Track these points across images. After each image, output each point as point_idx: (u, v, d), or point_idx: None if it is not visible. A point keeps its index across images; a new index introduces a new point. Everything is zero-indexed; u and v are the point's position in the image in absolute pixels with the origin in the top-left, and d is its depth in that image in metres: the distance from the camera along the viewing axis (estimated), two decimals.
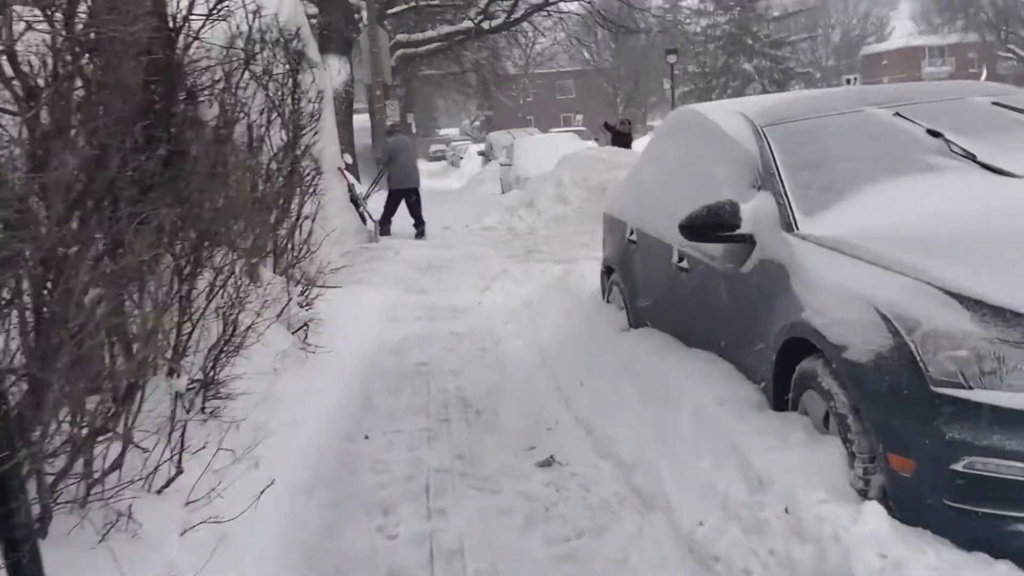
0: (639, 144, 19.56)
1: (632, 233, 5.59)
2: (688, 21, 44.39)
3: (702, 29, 45.41)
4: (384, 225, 14.70)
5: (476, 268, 11.15)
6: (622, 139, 18.53)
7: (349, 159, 16.30)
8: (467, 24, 24.80)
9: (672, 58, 34.21)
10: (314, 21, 18.06)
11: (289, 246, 6.95)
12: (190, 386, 3.99)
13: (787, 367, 3.69)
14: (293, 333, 5.90)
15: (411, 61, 27.60)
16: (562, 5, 26.06)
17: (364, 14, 20.03)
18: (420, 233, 14.75)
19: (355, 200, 14.25)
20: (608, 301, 6.30)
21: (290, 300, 5.93)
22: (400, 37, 25.51)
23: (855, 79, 35.28)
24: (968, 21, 57.99)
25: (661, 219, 5.05)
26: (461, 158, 39.53)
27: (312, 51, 10.12)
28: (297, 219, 6.99)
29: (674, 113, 5.73)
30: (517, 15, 24.71)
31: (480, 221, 15.72)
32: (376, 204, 14.98)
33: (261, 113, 6.36)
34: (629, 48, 48.99)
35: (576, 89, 58.62)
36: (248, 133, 6.02)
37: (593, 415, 4.78)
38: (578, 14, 27.91)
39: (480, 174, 25.67)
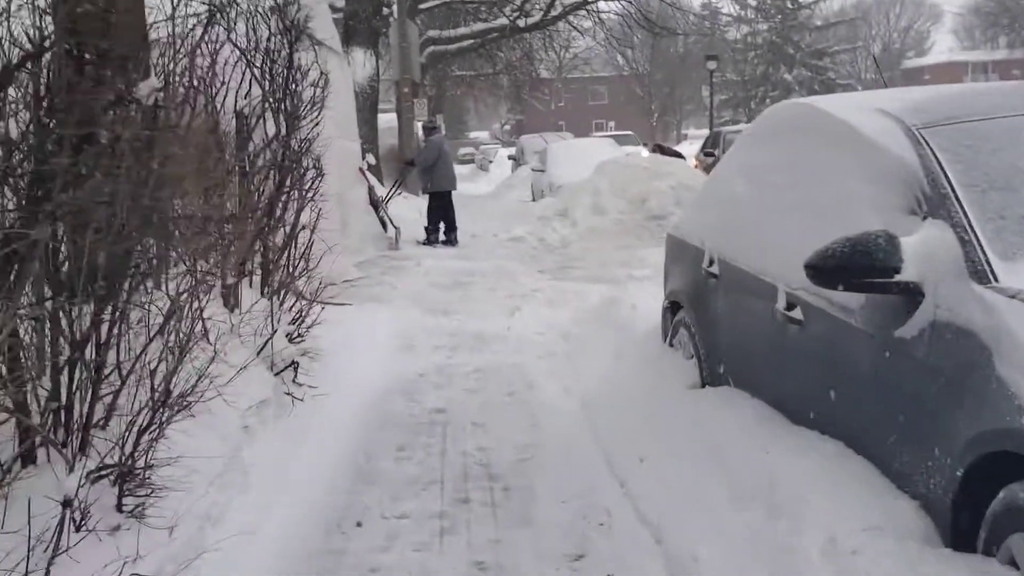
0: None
1: (712, 264, 4.31)
2: (727, 28, 42.95)
3: (742, 37, 43.99)
4: (433, 234, 13.52)
5: (504, 285, 9.91)
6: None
7: (372, 160, 15.11)
8: (501, 22, 23.57)
9: (712, 64, 32.86)
10: (340, 9, 16.92)
11: (283, 262, 5.74)
12: (100, 474, 2.78)
13: (980, 489, 2.43)
14: (277, 374, 4.68)
15: (442, 59, 26.41)
16: (601, 4, 24.78)
17: (394, 7, 18.86)
18: (451, 240, 13.54)
19: (375, 204, 13.06)
20: (672, 345, 5.01)
21: (275, 332, 4.70)
22: (431, 33, 24.35)
23: None
24: (1015, 36, 56.20)
25: (759, 249, 3.78)
26: (490, 162, 38.38)
27: (324, 28, 8.93)
28: (293, 229, 5.76)
29: (777, 109, 4.41)
30: (555, 13, 23.44)
31: (509, 230, 14.49)
32: (396, 210, 13.79)
33: (246, 96, 5.15)
34: (665, 54, 47.69)
35: (609, 95, 57.29)
36: (224, 119, 4.82)
37: (662, 513, 3.51)
38: (617, 14, 26.62)
39: (510, 179, 24.49)
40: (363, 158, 13.57)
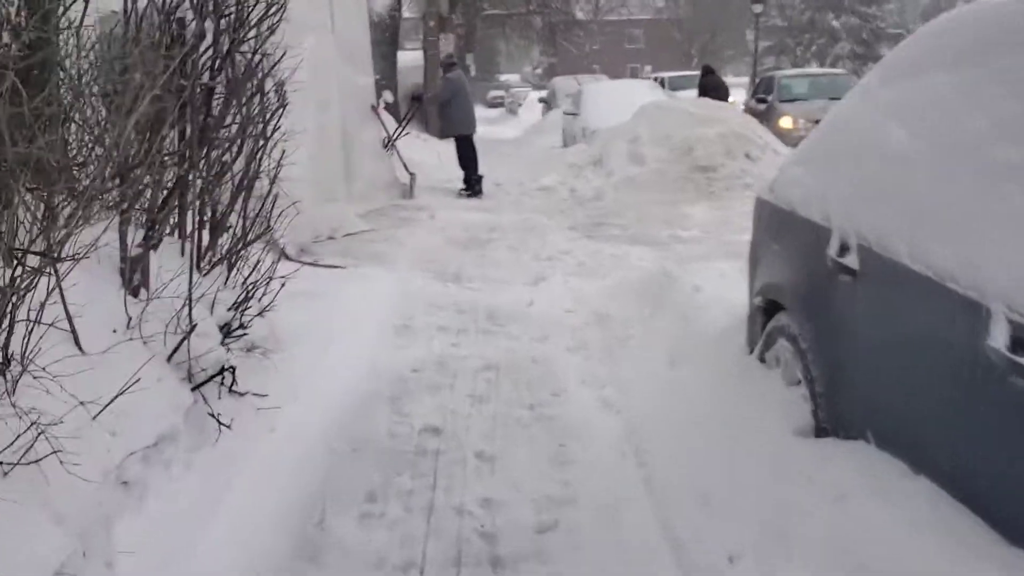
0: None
1: (846, 252, 2.77)
2: None
3: None
4: (476, 183, 11.99)
5: (529, 244, 8.41)
6: (713, 89, 15.43)
7: (390, 97, 13.52)
8: None
9: (758, 8, 30.65)
10: None
11: (236, 217, 4.25)
12: None
13: None
14: (195, 388, 3.22)
15: None
16: None
17: None
18: (474, 190, 12.01)
19: (394, 144, 11.53)
20: (763, 360, 3.50)
21: (193, 327, 3.21)
22: None
23: None
24: None
25: (950, 239, 2.26)
26: (520, 105, 36.55)
27: None
28: (243, 178, 4.25)
29: (961, 16, 2.78)
30: None
31: (537, 179, 12.92)
32: (412, 153, 12.24)
33: None
34: None
35: (646, 39, 54.80)
36: None
37: None
38: None
39: (540, 123, 22.82)
40: (379, 96, 12.01)
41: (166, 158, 3.30)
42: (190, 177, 3.49)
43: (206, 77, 3.91)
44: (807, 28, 41.55)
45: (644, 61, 51.19)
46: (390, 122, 12.35)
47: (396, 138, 11.44)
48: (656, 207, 10.80)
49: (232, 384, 3.47)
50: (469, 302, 6.09)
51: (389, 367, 4.59)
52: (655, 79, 21.04)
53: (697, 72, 18.52)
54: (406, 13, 45.60)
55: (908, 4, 54.55)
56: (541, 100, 28.32)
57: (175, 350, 3.14)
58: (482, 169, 12.35)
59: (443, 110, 12.26)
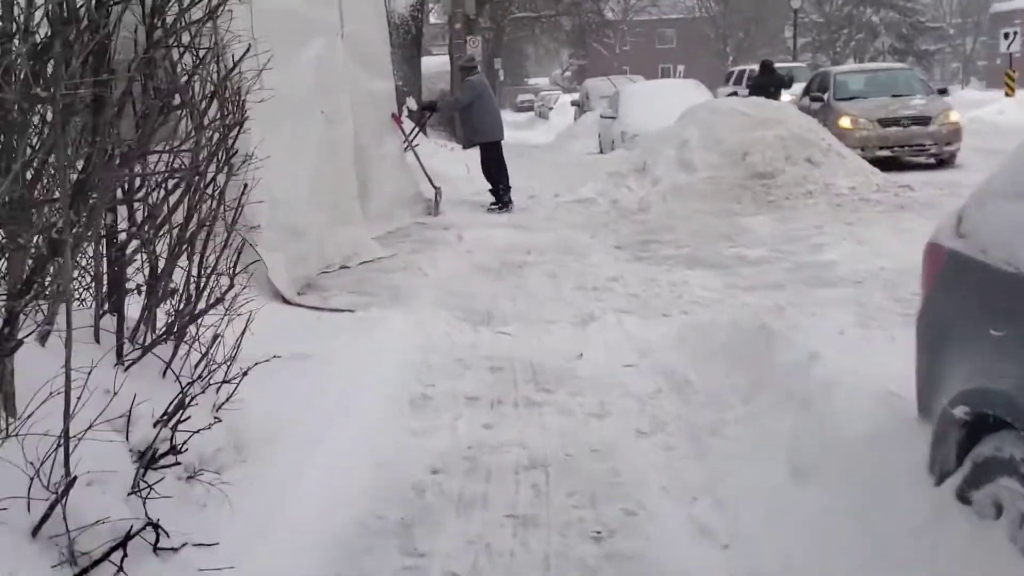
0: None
1: None
2: None
3: None
4: (504, 195, 10.75)
5: (571, 269, 7.19)
6: (767, 88, 14.06)
7: (414, 104, 12.34)
8: None
9: (796, 2, 29.24)
10: None
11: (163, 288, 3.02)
12: None
13: None
14: (83, 573, 2.01)
15: None
16: None
17: None
18: (506, 202, 10.78)
19: (416, 157, 10.35)
20: (966, 501, 2.21)
21: (71, 480, 1.99)
22: None
23: None
24: None
25: None
26: (551, 108, 35.30)
27: None
28: (184, 228, 3.00)
29: None
30: None
31: (574, 190, 11.66)
32: (437, 164, 11.05)
33: None
34: None
35: (678, 38, 53.32)
36: None
37: None
38: None
39: (572, 128, 21.54)
40: (401, 104, 10.84)
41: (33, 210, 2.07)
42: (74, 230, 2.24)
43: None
44: (845, 23, 39.93)
45: (676, 61, 49.69)
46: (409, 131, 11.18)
47: (406, 148, 10.18)
48: (710, 219, 9.53)
49: (157, 541, 2.26)
50: (505, 355, 4.85)
51: (400, 469, 3.36)
52: (740, 73, 17.94)
53: (800, 64, 16.44)
54: (432, 19, 44.66)
55: None
56: (574, 103, 27.03)
57: (43, 519, 1.94)
58: (513, 179, 11.13)
59: (464, 117, 10.96)
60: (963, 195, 9.18)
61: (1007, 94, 21.86)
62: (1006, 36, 23.36)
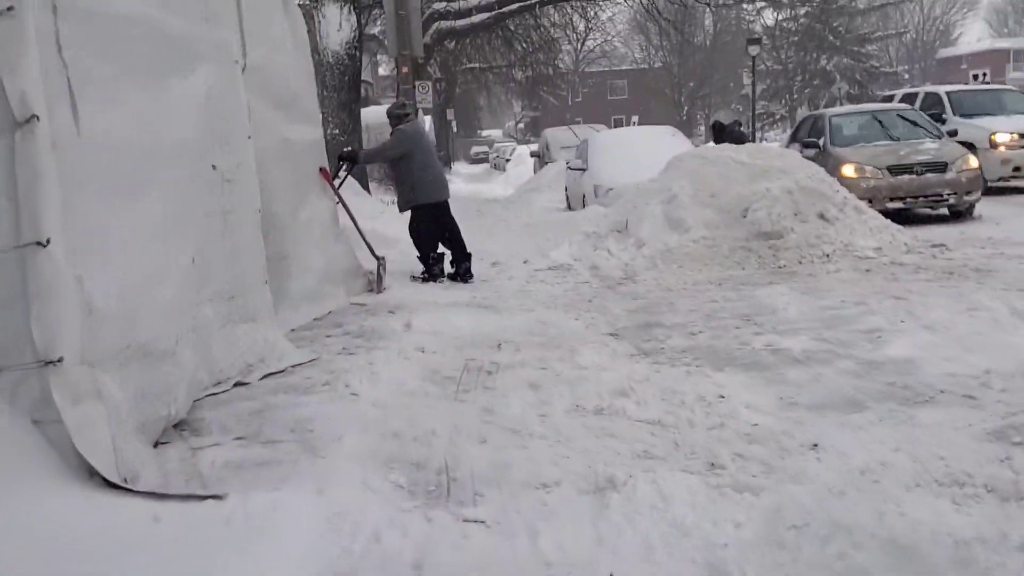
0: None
1: None
2: (758, 10, 37.65)
3: (776, 23, 38.83)
4: (434, 265, 8.68)
5: (561, 377, 5.12)
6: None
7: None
8: None
9: (754, 49, 27.90)
10: None
11: None
12: None
13: None
14: None
15: (450, 38, 21.56)
16: None
17: None
18: (463, 273, 8.73)
19: (352, 219, 8.27)
20: None
21: None
22: (437, 6, 19.52)
23: None
24: None
25: None
26: (507, 160, 33.52)
27: None
28: None
29: None
30: None
31: (546, 255, 9.72)
32: (381, 227, 8.99)
33: None
34: (691, 45, 42.60)
35: (629, 89, 52.12)
36: None
37: None
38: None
39: (533, 180, 19.64)
40: (340, 159, 8.77)
41: None
42: None
43: None
44: (796, 71, 38.89)
45: (629, 111, 48.49)
46: (351, 190, 9.12)
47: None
48: (715, 291, 7.57)
49: None
50: None
51: None
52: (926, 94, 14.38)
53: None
54: (382, 71, 42.91)
55: (893, 43, 52.37)
56: (533, 154, 25.22)
57: None
58: (472, 242, 9.09)
59: (398, 174, 8.71)
60: (1010, 254, 7.19)
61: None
62: (976, 78, 22.09)
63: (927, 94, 14.41)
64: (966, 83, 22.95)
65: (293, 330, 6.41)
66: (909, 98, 14.53)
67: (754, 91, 29.66)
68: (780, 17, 38.66)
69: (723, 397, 4.64)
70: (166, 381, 4.12)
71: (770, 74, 39.35)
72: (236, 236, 5.37)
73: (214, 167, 5.19)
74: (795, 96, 38.29)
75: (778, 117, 40.26)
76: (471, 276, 8.69)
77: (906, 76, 45.83)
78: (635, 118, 43.10)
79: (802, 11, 38.00)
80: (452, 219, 8.83)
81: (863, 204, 9.19)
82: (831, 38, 37.30)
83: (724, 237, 8.99)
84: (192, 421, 4.37)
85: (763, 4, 37.57)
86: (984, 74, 21.69)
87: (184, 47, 4.93)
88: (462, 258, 8.74)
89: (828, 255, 8.54)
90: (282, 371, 5.28)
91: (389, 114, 8.89)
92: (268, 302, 5.68)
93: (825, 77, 37.30)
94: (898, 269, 7.88)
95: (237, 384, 4.99)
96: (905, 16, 56.29)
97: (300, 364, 5.42)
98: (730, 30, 43.70)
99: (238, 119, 5.52)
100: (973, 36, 62.96)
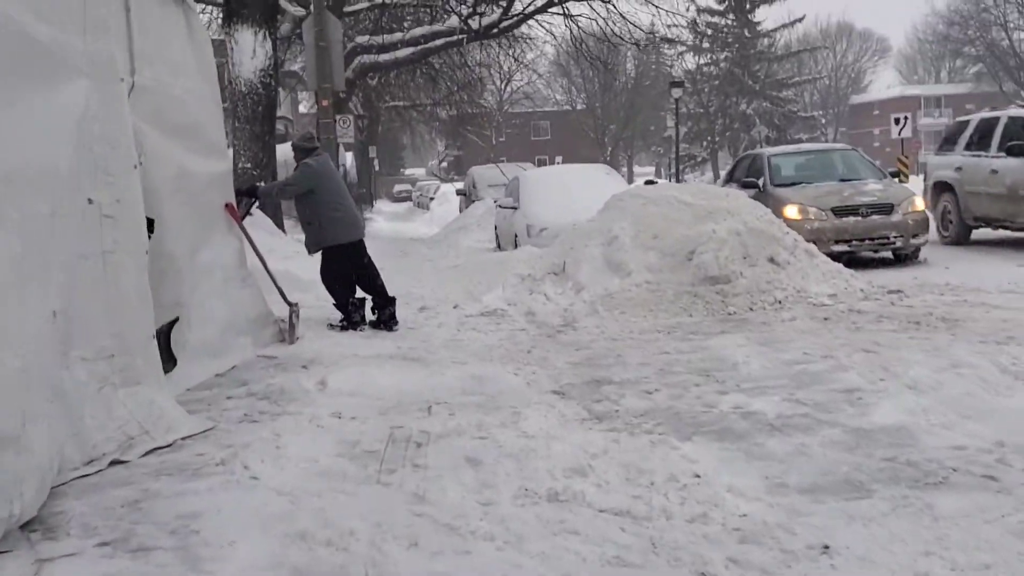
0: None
1: None
2: (684, 53, 37.99)
3: (697, 67, 39.19)
4: (353, 312, 7.75)
5: (504, 450, 4.32)
6: None
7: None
8: (446, 25, 18.06)
9: (677, 92, 27.88)
10: None
11: None
12: None
13: None
14: None
15: (373, 73, 20.80)
16: (570, 6, 19.46)
17: None
18: (387, 320, 7.85)
19: (263, 263, 7.35)
20: None
21: None
22: (360, 40, 18.74)
23: None
24: (954, 73, 53.08)
25: None
26: (431, 198, 32.78)
27: None
28: None
29: None
30: (514, 14, 18.01)
31: (477, 299, 8.95)
32: (294, 270, 8.09)
33: None
34: (614, 87, 42.78)
35: (552, 130, 52.06)
36: None
37: None
38: (578, 26, 21.35)
39: (460, 219, 18.92)
40: (250, 193, 7.85)
41: None
42: None
43: None
44: (716, 115, 39.26)
45: (552, 152, 48.36)
46: (263, 229, 8.23)
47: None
48: (665, 341, 6.89)
49: None
50: None
51: None
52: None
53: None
54: (303, 108, 41.87)
55: (807, 88, 53.57)
56: (459, 192, 24.53)
57: None
58: (396, 284, 8.23)
59: (305, 212, 7.72)
60: (973, 301, 6.56)
61: (901, 180, 20.67)
62: (897, 121, 22.15)
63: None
64: (883, 128, 23.16)
65: (189, 390, 5.48)
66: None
67: (677, 133, 29.62)
68: (701, 61, 39.08)
69: (699, 477, 3.91)
70: (8, 473, 3.19)
71: (692, 117, 39.66)
72: (118, 282, 4.45)
73: (90, 201, 4.31)
74: (716, 139, 38.62)
75: (699, 159, 40.56)
76: (396, 323, 7.83)
77: (823, 120, 46.76)
78: (559, 159, 42.92)
79: (722, 56, 38.48)
80: (369, 260, 7.96)
81: (814, 247, 8.66)
82: (750, 82, 37.78)
83: (668, 281, 8.35)
84: (47, 517, 3.43)
85: (684, 48, 37.99)
86: (905, 118, 21.66)
87: (53, 57, 4.04)
88: (384, 303, 7.86)
89: (780, 301, 7.96)
90: (169, 445, 4.35)
91: (295, 147, 7.94)
92: (156, 360, 4.74)
93: (745, 121, 37.73)
94: (858, 317, 7.32)
95: (114, 462, 4.06)
96: (819, 62, 57.82)
97: (192, 435, 4.50)
98: (650, 74, 43.97)
99: (122, 145, 4.61)
100: (884, 83, 65.07)
